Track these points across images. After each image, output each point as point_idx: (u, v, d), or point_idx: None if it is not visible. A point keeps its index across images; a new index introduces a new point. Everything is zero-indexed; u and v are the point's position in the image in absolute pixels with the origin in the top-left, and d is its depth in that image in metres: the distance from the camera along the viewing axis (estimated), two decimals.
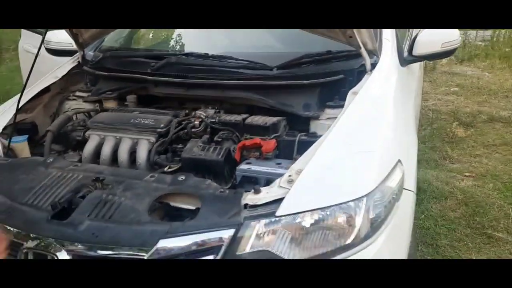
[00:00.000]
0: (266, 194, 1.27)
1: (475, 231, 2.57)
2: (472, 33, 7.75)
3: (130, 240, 1.18)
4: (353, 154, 1.38)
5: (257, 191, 1.28)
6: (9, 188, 1.39)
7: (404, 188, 1.44)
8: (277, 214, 1.22)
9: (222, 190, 1.32)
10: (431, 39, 2.08)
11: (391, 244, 1.32)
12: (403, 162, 1.47)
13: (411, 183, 1.50)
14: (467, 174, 3.28)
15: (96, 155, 1.71)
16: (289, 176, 1.32)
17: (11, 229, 1.27)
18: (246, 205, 1.25)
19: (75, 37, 2.14)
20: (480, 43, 7.62)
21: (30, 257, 1.24)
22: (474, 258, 2.32)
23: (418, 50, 2.09)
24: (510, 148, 3.78)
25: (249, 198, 1.26)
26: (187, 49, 2.28)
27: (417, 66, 2.52)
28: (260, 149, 1.57)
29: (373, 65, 1.81)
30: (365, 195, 1.27)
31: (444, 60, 6.83)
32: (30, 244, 1.23)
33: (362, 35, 1.73)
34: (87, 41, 2.20)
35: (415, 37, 2.12)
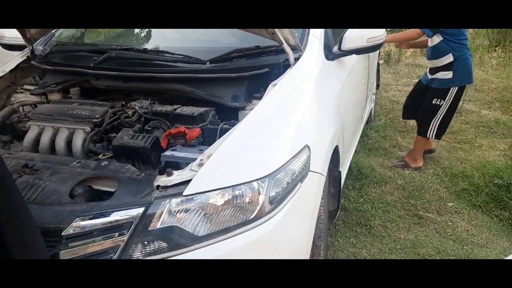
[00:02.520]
0: (177, 176, 1.42)
1: (408, 212, 2.77)
2: None
3: (50, 219, 1.32)
4: (260, 140, 1.54)
5: (169, 174, 1.42)
6: None
7: (310, 170, 1.60)
8: (184, 193, 1.36)
9: (138, 173, 1.46)
10: (357, 35, 2.23)
11: (291, 218, 1.48)
12: (312, 148, 1.63)
13: (319, 166, 1.66)
14: None
15: (35, 145, 1.83)
16: (201, 160, 1.46)
17: None
18: (158, 187, 1.40)
19: (22, 32, 2.24)
20: None
21: None
22: (402, 237, 2.51)
23: (345, 45, 2.23)
24: (456, 137, 3.99)
25: (161, 180, 1.40)
26: (130, 44, 2.40)
27: (356, 60, 2.67)
28: (185, 137, 1.71)
29: (298, 60, 1.97)
30: (267, 176, 1.43)
31: (409, 52, 7.05)
32: None
33: (284, 32, 1.88)
34: (34, 36, 2.30)
35: (344, 33, 2.27)
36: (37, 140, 1.83)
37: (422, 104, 3.24)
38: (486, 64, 6.43)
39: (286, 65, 1.96)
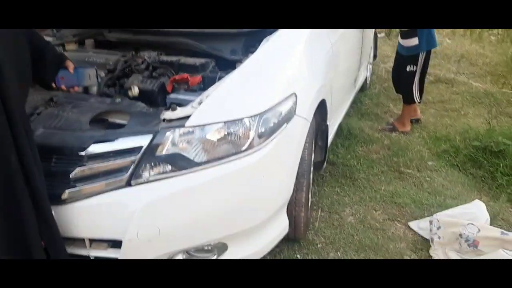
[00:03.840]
0: (180, 111, 1.66)
1: (390, 168, 3.02)
2: None
3: (73, 141, 1.57)
4: (252, 84, 1.78)
5: (173, 109, 1.66)
6: None
7: (296, 115, 1.85)
8: (185, 125, 1.61)
9: (147, 108, 1.71)
10: None
11: (276, 152, 1.73)
12: (298, 95, 1.86)
13: (304, 112, 1.90)
14: None
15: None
16: (201, 99, 1.71)
17: None
18: (164, 119, 1.64)
19: None
20: None
21: None
22: (383, 189, 2.77)
23: None
24: (445, 106, 4.21)
25: (167, 114, 1.65)
26: None
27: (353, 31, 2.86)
28: (188, 83, 1.95)
29: None
30: (258, 114, 1.67)
31: None
32: None
33: None
34: None
35: None
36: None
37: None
38: (485, 40, 6.57)
39: None
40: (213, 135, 1.65)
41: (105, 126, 1.74)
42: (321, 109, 2.34)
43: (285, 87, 1.84)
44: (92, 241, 1.63)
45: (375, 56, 5.00)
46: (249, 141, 1.66)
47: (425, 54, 3.34)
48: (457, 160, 3.11)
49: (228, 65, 2.12)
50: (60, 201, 1.55)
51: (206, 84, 1.99)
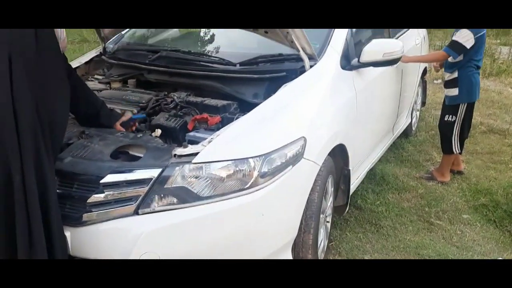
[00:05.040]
0: (191, 148, 1.80)
1: (420, 218, 2.93)
2: (505, 48, 7.79)
3: (93, 170, 1.76)
4: (262, 125, 1.89)
5: (184, 146, 1.81)
6: None
7: (304, 158, 1.92)
8: (193, 161, 1.74)
9: (162, 144, 1.87)
10: (375, 49, 2.50)
11: (279, 192, 1.81)
12: (308, 139, 1.95)
13: (313, 155, 1.97)
14: None
15: None
16: (211, 138, 1.84)
17: None
18: (175, 155, 1.79)
19: (98, 32, 2.78)
20: None
21: None
22: (408, 239, 2.70)
23: (364, 58, 2.51)
24: (493, 157, 4.02)
25: (178, 150, 1.80)
26: (177, 45, 2.86)
27: (381, 73, 2.89)
28: (207, 122, 2.11)
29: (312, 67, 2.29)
30: (262, 155, 1.78)
31: None
32: None
33: (301, 41, 2.21)
34: (107, 36, 2.84)
35: (364, 46, 2.55)
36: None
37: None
38: None
39: (302, 71, 2.29)
40: (220, 172, 1.76)
41: (125, 158, 1.92)
42: (342, 154, 2.39)
43: (294, 131, 1.93)
44: None
45: (423, 103, 4.92)
46: (252, 179, 1.76)
47: (466, 105, 3.26)
48: (495, 215, 2.96)
49: (249, 108, 2.23)
50: (77, 223, 1.72)
51: (224, 124, 2.12)
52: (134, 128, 2.18)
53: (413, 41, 3.88)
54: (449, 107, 3.33)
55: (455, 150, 3.37)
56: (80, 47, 7.60)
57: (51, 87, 1.57)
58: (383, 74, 2.98)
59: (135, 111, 2.27)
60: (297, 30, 2.15)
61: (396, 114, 3.55)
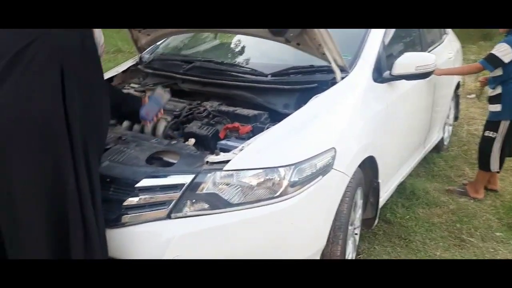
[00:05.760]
0: (223, 156, 1.85)
1: (451, 234, 2.88)
2: None
3: (129, 175, 1.82)
4: (292, 135, 1.92)
5: (216, 154, 1.86)
6: None
7: (334, 168, 1.93)
8: (224, 169, 1.79)
9: (195, 151, 1.93)
10: (407, 61, 2.50)
11: (308, 202, 1.83)
12: (338, 151, 1.96)
13: (343, 167, 1.98)
14: None
15: (131, 127, 2.38)
16: (242, 146, 1.88)
17: None
18: (207, 162, 1.84)
19: (135, 42, 2.89)
20: None
21: None
22: (438, 255, 2.65)
23: (396, 71, 2.52)
24: None
25: (210, 157, 1.85)
26: (210, 56, 2.93)
27: (413, 86, 2.87)
28: (238, 131, 2.15)
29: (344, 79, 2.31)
30: (293, 164, 1.80)
31: None
32: None
33: (332, 53, 2.24)
34: (143, 46, 2.94)
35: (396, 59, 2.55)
36: (132, 123, 2.39)
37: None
38: None
39: (334, 83, 2.31)
40: (250, 179, 1.80)
41: (159, 163, 1.98)
42: (372, 166, 2.38)
43: (324, 141, 1.95)
44: None
45: (456, 118, 4.84)
46: (282, 188, 1.79)
47: (508, 123, 3.18)
48: None
49: (280, 118, 2.27)
50: (113, 225, 1.79)
51: (255, 133, 2.16)
52: (160, 115, 2.26)
53: (446, 54, 3.84)
54: (491, 123, 3.26)
55: (493, 168, 3.28)
56: (114, 57, 7.86)
57: (96, 95, 1.66)
58: (415, 87, 2.95)
59: (169, 119, 2.34)
60: (329, 42, 2.18)
61: (428, 128, 3.51)
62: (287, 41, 2.33)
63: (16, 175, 1.48)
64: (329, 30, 2.15)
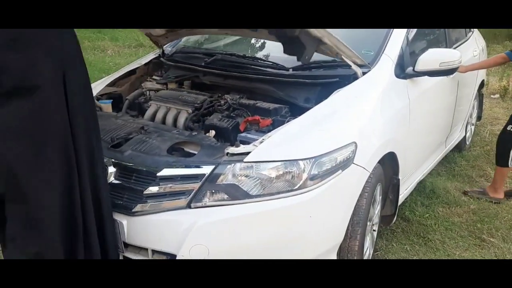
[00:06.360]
0: (243, 148, 1.86)
1: (471, 234, 2.83)
2: None
3: (150, 164, 1.85)
4: (313, 129, 1.92)
5: (236, 145, 1.87)
6: None
7: (354, 163, 1.93)
8: (244, 160, 1.80)
9: (215, 142, 1.94)
10: (431, 58, 2.47)
11: (327, 196, 1.82)
12: (359, 145, 1.95)
13: (363, 161, 1.97)
14: None
15: (153, 118, 2.42)
16: (263, 139, 1.89)
17: None
18: (227, 153, 1.85)
19: (155, 43, 2.92)
20: None
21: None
22: (457, 254, 2.62)
23: (419, 67, 2.48)
24: None
25: (231, 149, 1.86)
26: (232, 50, 2.94)
27: (436, 83, 2.84)
28: (258, 124, 2.16)
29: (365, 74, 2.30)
30: (312, 157, 1.80)
31: None
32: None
33: (352, 58, 2.27)
34: (163, 44, 2.96)
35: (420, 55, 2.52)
36: (154, 115, 2.42)
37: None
38: None
39: (355, 77, 2.30)
40: (269, 172, 1.81)
41: (180, 154, 2.00)
42: (392, 163, 2.36)
43: (345, 136, 1.94)
44: (154, 252, 1.86)
45: (479, 117, 4.75)
46: (301, 181, 1.79)
47: None
48: None
49: (300, 112, 2.27)
50: (132, 213, 1.82)
51: (275, 126, 2.16)
52: None
53: (471, 52, 3.77)
54: None
55: (510, 163, 3.22)
56: (136, 51, 7.96)
57: (89, 93, 1.69)
58: (438, 84, 2.92)
59: (190, 111, 2.36)
60: (346, 51, 2.21)
61: (450, 126, 3.46)
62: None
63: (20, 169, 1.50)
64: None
